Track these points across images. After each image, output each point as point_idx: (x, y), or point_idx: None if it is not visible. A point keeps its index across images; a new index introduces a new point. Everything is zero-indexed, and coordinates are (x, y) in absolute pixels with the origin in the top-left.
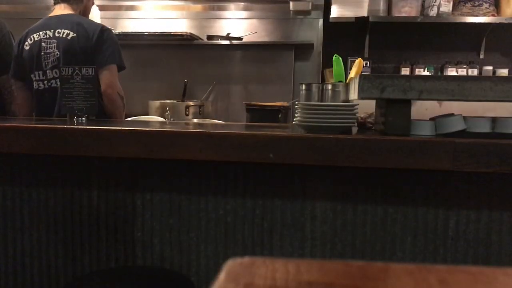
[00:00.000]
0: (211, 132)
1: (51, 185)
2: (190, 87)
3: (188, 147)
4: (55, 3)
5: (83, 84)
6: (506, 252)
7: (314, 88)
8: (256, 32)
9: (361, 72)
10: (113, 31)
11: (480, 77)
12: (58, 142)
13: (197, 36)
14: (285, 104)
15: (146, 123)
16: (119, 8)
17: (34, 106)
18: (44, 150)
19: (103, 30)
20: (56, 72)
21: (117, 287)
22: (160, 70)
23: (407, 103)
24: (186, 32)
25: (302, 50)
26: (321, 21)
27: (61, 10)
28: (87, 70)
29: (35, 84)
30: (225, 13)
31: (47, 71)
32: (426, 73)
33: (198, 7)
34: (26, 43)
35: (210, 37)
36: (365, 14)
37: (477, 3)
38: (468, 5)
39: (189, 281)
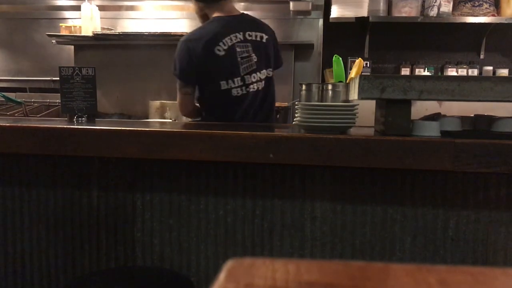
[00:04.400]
0: (211, 132)
1: (51, 185)
2: None
3: (188, 147)
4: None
5: (83, 84)
6: (506, 252)
7: (314, 88)
8: None
9: (361, 72)
10: (113, 31)
11: (480, 77)
12: (58, 142)
13: None
14: (283, 104)
15: (146, 123)
16: (119, 8)
17: (230, 113)
18: (44, 150)
19: (273, 30)
20: (254, 77)
21: (117, 287)
22: (160, 70)
23: (407, 103)
24: (186, 32)
25: (302, 50)
26: (321, 21)
27: (229, 8)
28: (87, 70)
29: (233, 91)
30: None
31: (245, 77)
32: (426, 73)
33: None
34: (218, 48)
35: None
36: (365, 14)
37: (477, 3)
38: (468, 5)
39: (189, 281)
